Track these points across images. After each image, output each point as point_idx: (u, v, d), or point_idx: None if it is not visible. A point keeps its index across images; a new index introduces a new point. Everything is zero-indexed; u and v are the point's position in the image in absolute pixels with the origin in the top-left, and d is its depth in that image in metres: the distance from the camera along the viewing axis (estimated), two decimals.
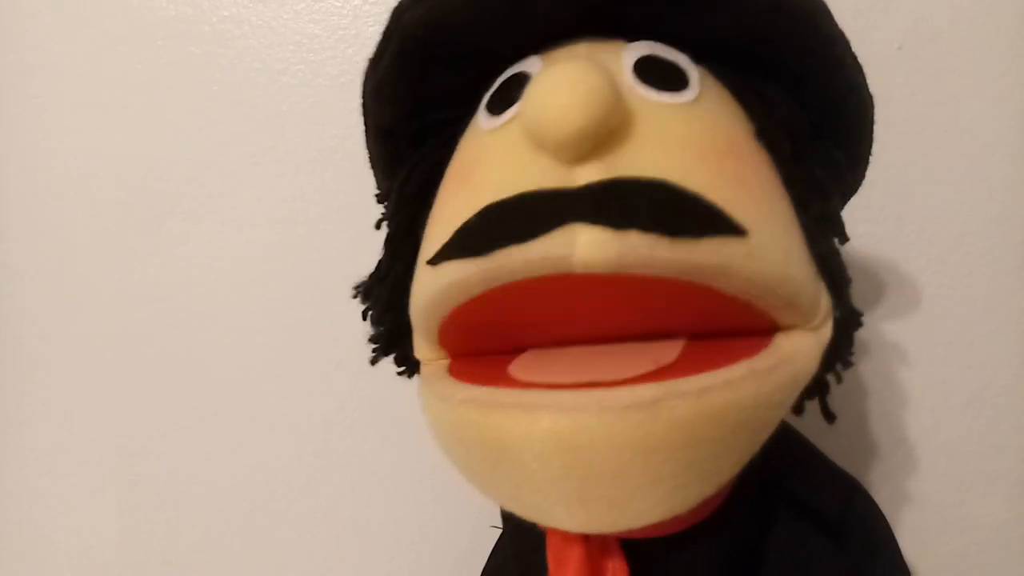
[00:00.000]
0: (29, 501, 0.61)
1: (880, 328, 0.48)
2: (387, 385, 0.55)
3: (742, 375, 0.23)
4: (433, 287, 0.25)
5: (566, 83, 0.21)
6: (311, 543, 0.56)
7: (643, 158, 0.23)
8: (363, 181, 0.55)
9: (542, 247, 0.22)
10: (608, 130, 0.22)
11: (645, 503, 0.22)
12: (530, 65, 0.27)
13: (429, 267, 0.25)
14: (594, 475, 0.22)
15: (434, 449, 0.57)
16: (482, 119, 0.27)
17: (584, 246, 0.21)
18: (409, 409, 0.55)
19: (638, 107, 0.23)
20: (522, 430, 0.22)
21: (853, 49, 0.27)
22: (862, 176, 0.32)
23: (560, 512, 0.23)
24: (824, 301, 0.27)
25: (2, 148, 0.61)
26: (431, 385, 0.28)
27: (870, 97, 0.29)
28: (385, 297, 0.31)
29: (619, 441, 0.21)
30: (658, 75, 0.25)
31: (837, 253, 0.28)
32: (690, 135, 0.24)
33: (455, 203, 0.25)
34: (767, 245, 0.23)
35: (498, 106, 0.26)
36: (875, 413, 0.49)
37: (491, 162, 0.25)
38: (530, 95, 0.22)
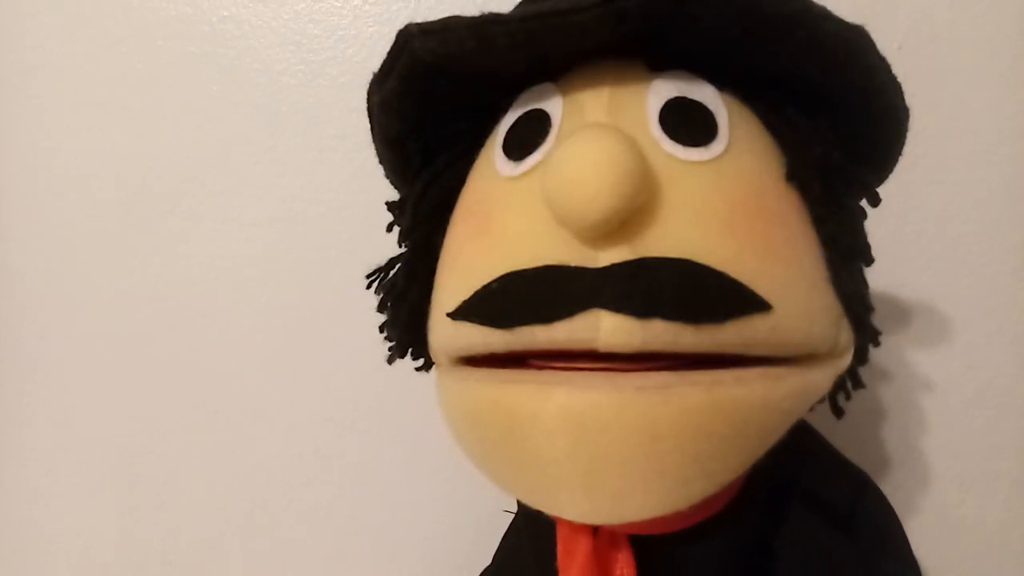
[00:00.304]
0: (29, 501, 0.61)
1: (880, 329, 0.48)
2: (388, 384, 0.55)
3: (754, 375, 0.23)
4: (454, 342, 0.26)
5: (591, 166, 0.21)
6: (311, 543, 0.56)
7: (667, 234, 0.22)
8: (363, 181, 0.55)
9: (567, 331, 0.22)
10: (634, 210, 0.22)
11: (648, 495, 0.22)
12: (549, 102, 0.26)
13: (449, 319, 0.25)
14: (600, 459, 0.22)
15: (436, 448, 0.57)
16: (499, 160, 0.26)
17: (608, 334, 0.22)
18: (410, 408, 0.55)
19: (663, 170, 0.23)
20: (534, 405, 0.22)
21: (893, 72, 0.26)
22: (886, 179, 0.32)
23: (564, 498, 0.23)
24: (844, 337, 0.27)
25: (2, 148, 0.61)
26: (448, 371, 0.28)
27: (906, 113, 0.28)
28: (403, 321, 0.31)
29: (628, 422, 0.21)
30: (685, 125, 0.24)
31: (862, 285, 0.28)
32: (716, 200, 0.23)
33: (472, 253, 0.25)
34: (792, 314, 0.23)
35: (516, 150, 0.26)
36: (875, 413, 0.49)
37: (510, 217, 0.25)
38: (553, 173, 0.22)
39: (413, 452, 0.55)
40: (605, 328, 0.22)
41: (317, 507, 0.56)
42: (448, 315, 0.26)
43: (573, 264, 0.22)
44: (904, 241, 0.49)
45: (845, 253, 0.26)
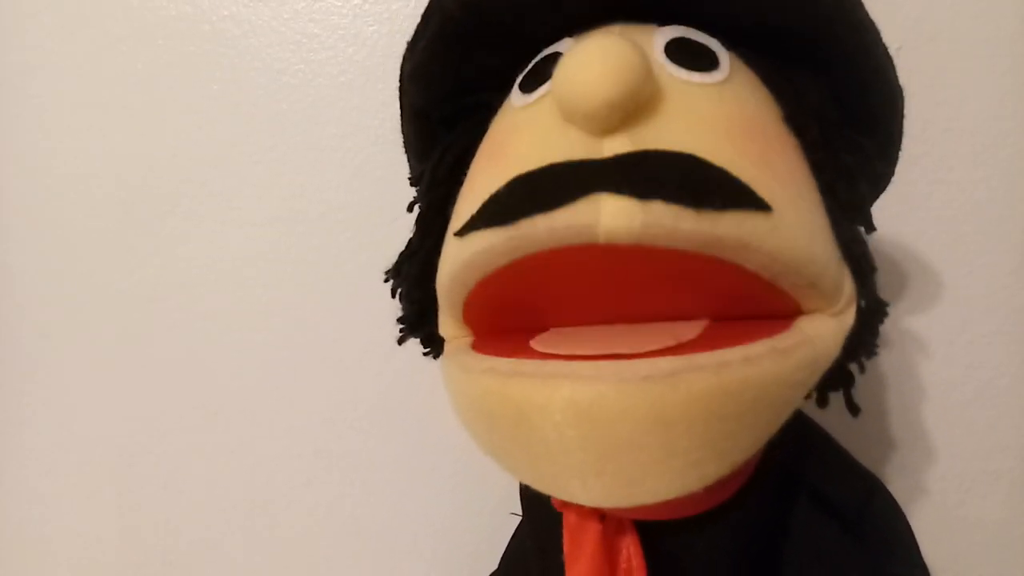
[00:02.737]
0: (29, 501, 0.61)
1: (880, 328, 0.48)
2: (388, 384, 0.55)
3: (762, 352, 0.23)
4: (459, 258, 0.26)
5: (597, 56, 0.22)
6: (311, 543, 0.56)
7: (670, 132, 0.23)
8: (363, 180, 0.55)
9: (567, 216, 0.22)
10: (637, 103, 0.22)
11: (661, 478, 0.22)
12: (564, 46, 0.27)
13: (456, 239, 0.26)
14: (610, 447, 0.22)
15: (436, 448, 0.57)
16: (515, 97, 0.27)
17: (609, 216, 0.22)
18: (410, 408, 0.55)
19: (667, 84, 0.24)
20: (541, 399, 0.22)
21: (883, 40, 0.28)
22: (892, 169, 0.32)
23: (576, 485, 0.23)
24: (848, 287, 0.27)
25: (2, 148, 0.61)
26: (454, 358, 0.28)
27: (899, 87, 0.29)
28: (415, 273, 0.31)
29: (636, 412, 0.21)
30: (689, 55, 0.25)
31: (863, 241, 0.28)
32: (718, 113, 0.24)
33: (485, 177, 0.26)
34: (791, 223, 0.23)
35: (531, 84, 0.27)
36: (875, 413, 0.49)
37: (521, 136, 0.25)
38: (561, 68, 0.22)
39: (413, 452, 0.55)
40: (606, 211, 0.22)
41: (317, 507, 0.56)
42: (456, 233, 0.26)
43: (577, 158, 0.23)
44: (904, 241, 0.49)
45: (843, 204, 0.27)
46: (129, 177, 0.59)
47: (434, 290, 0.29)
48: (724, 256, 0.23)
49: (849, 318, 0.27)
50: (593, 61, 0.22)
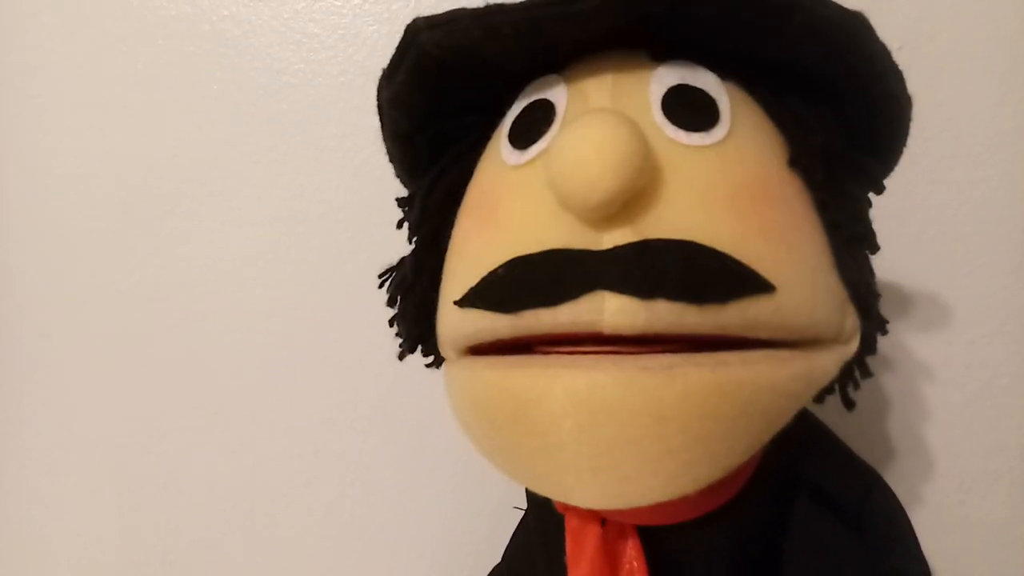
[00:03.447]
0: (29, 501, 0.61)
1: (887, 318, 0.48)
2: (388, 385, 0.55)
3: (759, 357, 0.23)
4: (461, 330, 0.26)
5: (594, 148, 0.21)
6: (311, 543, 0.56)
7: (671, 216, 0.23)
8: (363, 180, 0.55)
9: (571, 313, 0.22)
10: (636, 191, 0.22)
11: (655, 478, 0.22)
12: (553, 91, 0.27)
13: (456, 307, 0.26)
14: (606, 441, 0.22)
15: (436, 448, 0.57)
16: (504, 150, 0.27)
17: (612, 315, 0.22)
18: (410, 408, 0.55)
19: (666, 153, 0.23)
20: (540, 389, 0.23)
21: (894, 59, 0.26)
22: (891, 169, 0.32)
23: (571, 482, 0.23)
24: (850, 322, 0.27)
25: (2, 148, 0.61)
26: (456, 361, 0.28)
27: (908, 101, 0.28)
28: (412, 313, 0.32)
29: (633, 403, 0.21)
30: (688, 110, 0.24)
31: (868, 272, 0.28)
32: (719, 182, 0.23)
33: (478, 242, 0.26)
34: (795, 296, 0.23)
35: (521, 139, 0.26)
36: (875, 412, 0.49)
37: (515, 204, 0.25)
38: (556, 156, 0.22)
39: (413, 452, 0.55)
40: (609, 309, 0.22)
41: (317, 507, 0.56)
42: (455, 303, 0.26)
43: (577, 247, 0.23)
44: (904, 241, 0.49)
45: (849, 239, 0.27)
46: (129, 177, 0.59)
47: (432, 321, 0.30)
48: (727, 334, 0.23)
49: (851, 348, 0.27)
50: (591, 156, 0.21)
